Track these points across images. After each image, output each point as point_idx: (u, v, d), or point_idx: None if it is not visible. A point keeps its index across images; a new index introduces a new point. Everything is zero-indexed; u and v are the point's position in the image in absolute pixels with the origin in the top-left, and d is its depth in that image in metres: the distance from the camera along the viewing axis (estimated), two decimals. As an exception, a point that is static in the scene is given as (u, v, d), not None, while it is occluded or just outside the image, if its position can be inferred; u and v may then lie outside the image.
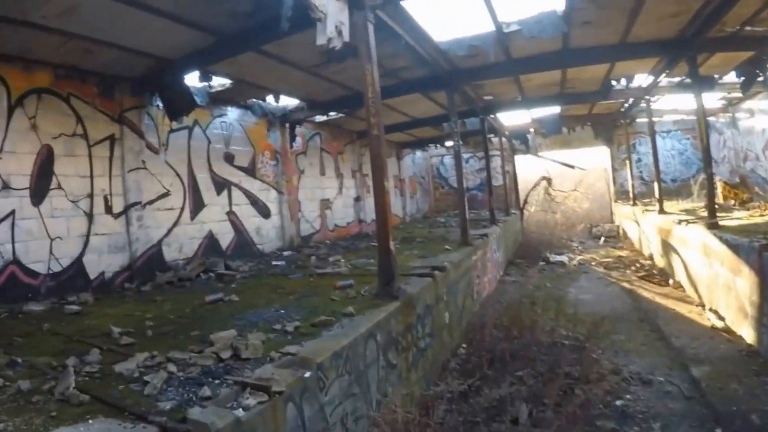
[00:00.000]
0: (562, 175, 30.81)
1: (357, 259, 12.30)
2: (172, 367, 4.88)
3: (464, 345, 9.93)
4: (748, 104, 22.36)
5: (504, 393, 6.97)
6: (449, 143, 27.67)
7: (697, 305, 12.49)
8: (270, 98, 14.80)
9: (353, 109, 16.49)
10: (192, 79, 11.45)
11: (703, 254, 11.83)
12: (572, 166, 28.96)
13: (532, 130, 26.65)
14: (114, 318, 7.69)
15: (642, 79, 16.63)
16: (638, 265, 18.55)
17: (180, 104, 11.55)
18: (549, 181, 30.22)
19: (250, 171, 15.35)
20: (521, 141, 27.38)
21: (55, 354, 5.79)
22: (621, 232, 27.00)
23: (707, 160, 12.28)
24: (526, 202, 29.82)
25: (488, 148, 20.02)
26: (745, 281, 9.38)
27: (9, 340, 6.66)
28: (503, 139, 26.36)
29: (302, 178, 17.97)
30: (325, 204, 19.35)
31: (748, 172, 22.43)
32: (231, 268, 12.15)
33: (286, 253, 15.10)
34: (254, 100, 15.29)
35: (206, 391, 4.18)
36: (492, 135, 23.94)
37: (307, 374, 4.68)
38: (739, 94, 20.37)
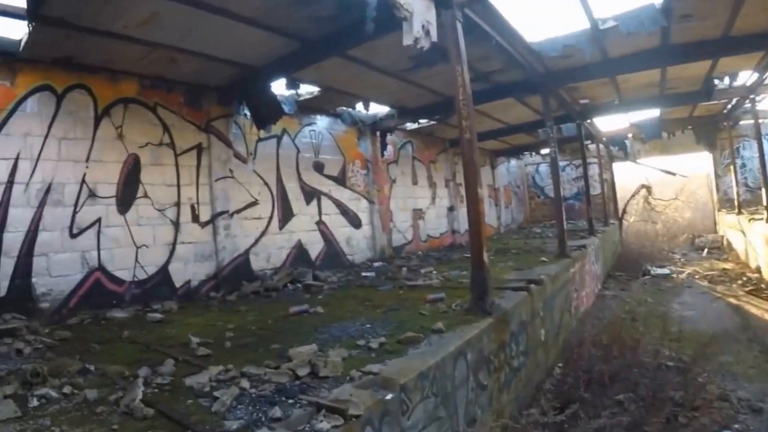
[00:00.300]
0: (663, 182, 29.38)
1: (449, 271, 11.88)
2: (245, 383, 4.62)
3: (560, 364, 9.36)
4: None
5: (604, 424, 6.47)
6: (545, 151, 27.09)
7: (813, 321, 11.52)
8: (359, 106, 14.64)
9: (445, 116, 15.96)
10: (279, 87, 11.40)
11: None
12: (673, 173, 27.60)
13: (630, 135, 25.51)
14: (195, 327, 7.59)
15: (746, 77, 15.62)
16: (745, 278, 17.29)
17: (267, 113, 11.48)
18: (649, 189, 28.77)
19: (341, 180, 15.17)
20: (619, 147, 26.23)
21: (130, 363, 5.67)
22: (725, 242, 25.44)
23: None
24: (624, 211, 28.55)
25: (585, 155, 19.37)
26: None
27: (87, 346, 6.64)
28: (600, 146, 25.52)
29: (394, 187, 17.67)
30: (418, 214, 18.99)
31: None
32: (319, 278, 11.95)
33: (376, 264, 14.83)
34: (343, 108, 15.08)
35: (277, 412, 3.88)
36: (589, 141, 23.15)
37: (389, 396, 4.29)
38: None
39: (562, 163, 27.94)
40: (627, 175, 29.75)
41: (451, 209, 21.50)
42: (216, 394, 4.41)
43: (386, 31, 7.71)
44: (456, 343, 5.67)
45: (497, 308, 7.00)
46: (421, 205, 19.36)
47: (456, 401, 5.42)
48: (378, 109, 15.75)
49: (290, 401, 4.19)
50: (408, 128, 18.40)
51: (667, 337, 9.90)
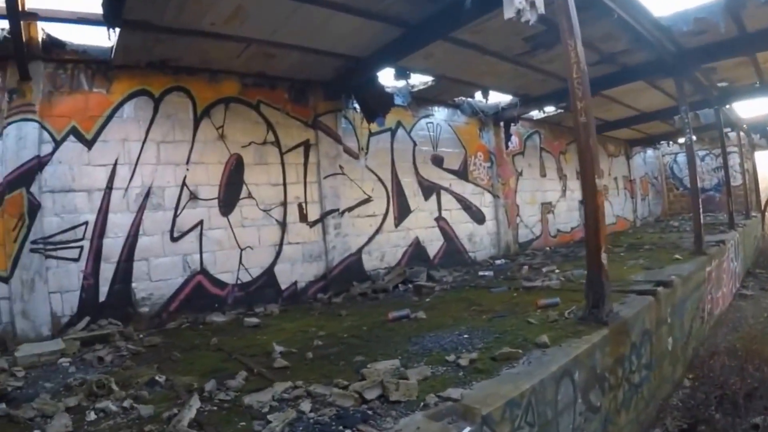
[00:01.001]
0: None
1: (573, 270, 10.90)
2: (305, 405, 4.15)
3: (689, 376, 8.38)
4: None
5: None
6: (682, 140, 25.24)
7: None
8: (478, 95, 13.87)
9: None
10: (388, 79, 10.93)
11: None
12: None
13: None
14: (286, 334, 7.33)
15: None
16: None
17: (376, 105, 11.07)
18: None
19: (462, 174, 14.50)
20: (761, 135, 24.29)
21: (203, 374, 5.45)
22: None
23: None
24: (767, 203, 26.58)
25: (725, 144, 17.83)
26: None
27: (168, 354, 6.50)
28: (741, 134, 23.57)
29: (520, 180, 16.78)
30: (547, 208, 17.99)
31: None
32: (433, 278, 11.42)
33: (498, 262, 14.08)
34: (462, 98, 14.39)
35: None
36: (728, 129, 21.33)
37: (466, 430, 3.62)
38: None
39: (700, 153, 26.66)
40: None
41: (582, 202, 20.13)
42: (270, 417, 3.97)
43: (488, 8, 7.11)
44: (560, 361, 4.94)
45: (615, 317, 6.21)
46: (551, 198, 18.31)
47: (559, 429, 4.71)
48: (500, 99, 14.99)
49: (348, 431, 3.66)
50: (534, 118, 17.47)
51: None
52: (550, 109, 16.50)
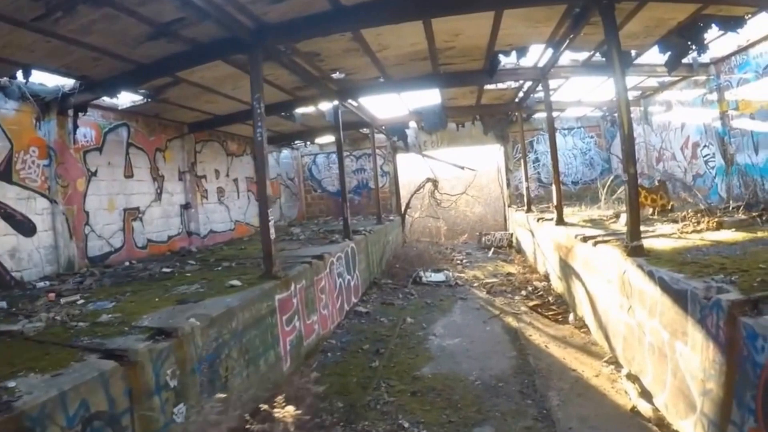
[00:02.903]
0: (457, 177, 27.86)
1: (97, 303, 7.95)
2: None
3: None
4: (665, 95, 19.14)
5: None
6: (321, 140, 24.85)
7: (607, 362, 8.73)
8: (20, 75, 10.25)
9: (137, 85, 12.16)
10: None
11: (622, 292, 8.05)
12: (461, 167, 25.87)
13: (413, 124, 23.35)
14: None
15: (538, 53, 12.98)
16: (531, 287, 14.78)
17: None
18: (435, 183, 26.73)
19: (4, 174, 10.86)
20: (399, 137, 23.75)
21: None
22: (515, 241, 23.34)
23: (629, 151, 8.28)
24: (408, 207, 26.36)
25: (340, 144, 16.42)
26: (695, 354, 5.62)
27: None
28: (381, 135, 23.62)
29: (93, 181, 13.37)
30: (133, 214, 14.83)
31: (663, 174, 19.06)
32: None
33: (41, 284, 10.60)
34: (6, 79, 10.77)
35: None
36: (365, 129, 21.37)
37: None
38: (653, 83, 18.10)
39: None
40: (417, 169, 28.19)
41: (187, 207, 17.43)
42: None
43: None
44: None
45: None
46: (139, 202, 15.17)
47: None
48: (65, 82, 11.57)
49: None
50: (120, 107, 14.24)
51: (410, 387, 8.26)
52: (138, 98, 13.61)
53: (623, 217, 10.46)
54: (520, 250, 21.51)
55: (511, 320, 11.88)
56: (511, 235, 24.16)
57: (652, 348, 6.89)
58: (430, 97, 18.57)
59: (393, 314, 12.94)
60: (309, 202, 28.15)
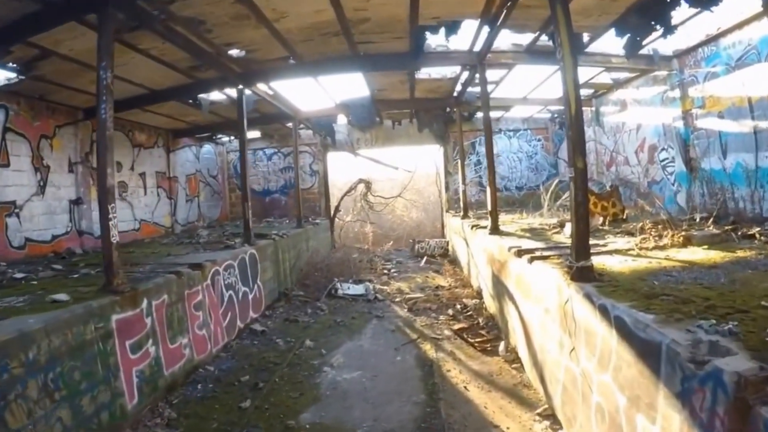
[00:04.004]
0: (392, 179, 26.20)
1: None
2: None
3: None
4: (619, 94, 17.57)
5: None
6: (251, 134, 22.16)
7: (541, 415, 6.76)
8: None
9: (30, 65, 10.37)
10: None
11: (563, 328, 6.04)
12: (395, 167, 24.11)
13: (343, 119, 21.45)
14: None
15: (473, 34, 11.13)
16: (460, 305, 12.81)
17: None
18: (368, 184, 25.13)
19: None
20: (326, 133, 21.88)
21: None
22: (451, 251, 21.61)
23: (577, 139, 6.11)
24: (338, 209, 24.60)
25: (244, 137, 14.69)
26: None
27: None
28: (306, 131, 22.15)
29: (-46, 168, 11.01)
30: (6, 209, 12.55)
31: (616, 180, 17.54)
32: None
33: None
34: None
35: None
36: (286, 122, 19.87)
37: None
38: (607, 79, 16.62)
39: (268, 151, 25.29)
40: (353, 169, 27.37)
41: (77, 202, 15.11)
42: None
43: None
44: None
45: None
46: (15, 196, 12.84)
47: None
48: None
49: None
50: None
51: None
52: (11, 76, 11.47)
53: (568, 227, 8.50)
54: (455, 261, 19.74)
55: (429, 348, 9.94)
56: (447, 243, 22.52)
57: (601, 411, 4.90)
58: (358, 88, 17.07)
59: (293, 334, 11.10)
60: (234, 201, 26.03)
